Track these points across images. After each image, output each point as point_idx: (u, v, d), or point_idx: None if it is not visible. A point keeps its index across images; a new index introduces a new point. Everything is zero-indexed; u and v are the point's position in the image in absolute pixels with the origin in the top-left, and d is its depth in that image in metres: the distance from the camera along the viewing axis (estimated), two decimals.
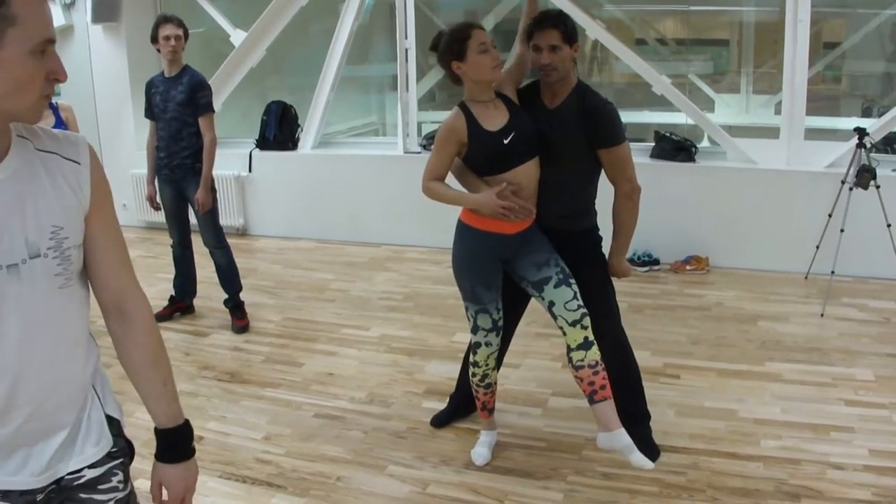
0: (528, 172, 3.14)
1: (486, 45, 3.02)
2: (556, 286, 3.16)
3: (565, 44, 3.16)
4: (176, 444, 1.70)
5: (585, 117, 3.22)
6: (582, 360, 3.13)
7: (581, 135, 3.23)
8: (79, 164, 1.53)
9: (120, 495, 1.65)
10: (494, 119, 3.11)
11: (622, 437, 3.11)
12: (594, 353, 3.14)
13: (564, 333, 3.17)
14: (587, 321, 3.16)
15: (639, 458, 3.10)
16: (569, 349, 3.18)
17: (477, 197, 3.11)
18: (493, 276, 3.24)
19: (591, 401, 3.16)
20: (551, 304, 3.18)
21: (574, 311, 3.14)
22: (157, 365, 1.66)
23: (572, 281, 3.19)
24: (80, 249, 1.54)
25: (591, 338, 3.15)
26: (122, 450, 1.67)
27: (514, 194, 3.08)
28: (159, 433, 1.67)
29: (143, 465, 3.56)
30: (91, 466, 1.59)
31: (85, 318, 1.60)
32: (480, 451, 3.56)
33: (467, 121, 3.09)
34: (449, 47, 3.08)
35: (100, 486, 1.61)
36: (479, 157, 3.12)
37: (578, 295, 3.18)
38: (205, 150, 4.98)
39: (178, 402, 1.69)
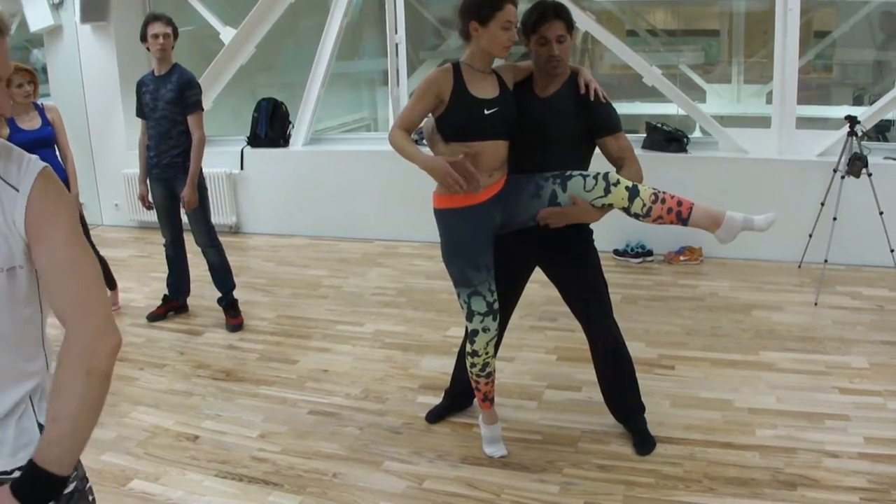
0: (495, 149, 3.11)
1: (512, 23, 3.02)
2: (565, 189, 3.11)
3: (568, 33, 3.19)
4: (30, 484, 1.50)
5: (586, 106, 3.24)
6: (643, 206, 3.07)
7: (576, 123, 3.25)
8: (17, 191, 1.51)
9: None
10: (483, 89, 3.10)
11: (734, 219, 3.12)
12: (645, 191, 3.08)
13: (611, 205, 3.11)
14: (613, 176, 3.10)
15: (761, 219, 3.17)
16: (626, 211, 3.11)
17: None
18: (480, 255, 3.19)
19: (684, 222, 3.12)
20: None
21: (597, 184, 3.08)
22: (56, 395, 1.52)
23: (570, 172, 3.14)
24: (16, 273, 1.53)
25: (629, 183, 3.09)
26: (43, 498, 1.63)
27: (473, 162, 3.03)
28: (27, 465, 1.52)
29: (138, 465, 3.59)
30: (21, 469, 1.57)
31: (27, 335, 1.59)
32: (494, 449, 3.54)
33: (454, 79, 3.07)
34: (477, 7, 3.03)
35: None
36: (455, 118, 3.09)
37: (583, 172, 3.13)
38: (193, 149, 4.96)
39: (61, 447, 1.50)
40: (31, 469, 1.50)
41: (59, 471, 1.50)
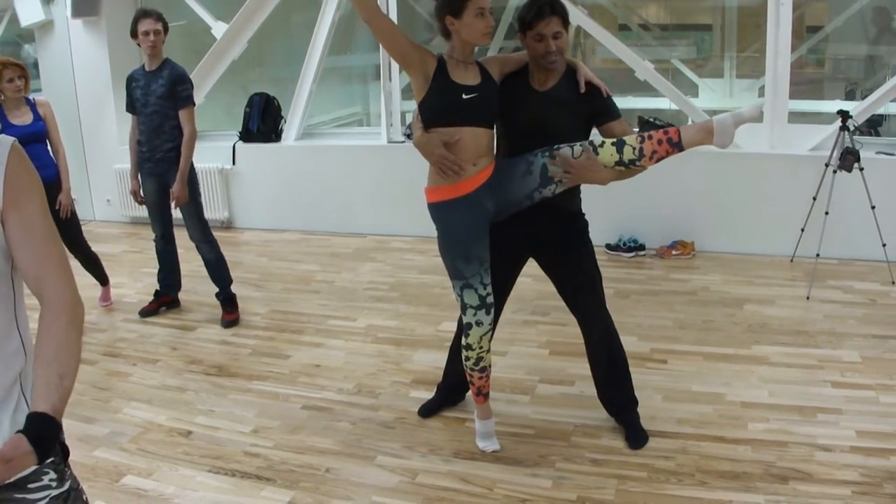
0: (475, 134, 3.11)
1: (485, 10, 3.03)
2: (554, 160, 3.13)
3: (564, 28, 3.20)
4: (44, 430, 1.50)
5: (588, 97, 3.26)
6: (634, 150, 3.07)
7: (575, 116, 3.28)
8: None
9: (54, 492, 1.66)
10: (464, 77, 3.11)
11: (724, 121, 3.06)
12: (630, 138, 3.09)
13: (605, 165, 3.12)
14: (597, 139, 3.13)
15: (748, 109, 3.09)
16: (620, 163, 3.10)
17: (424, 137, 3.10)
18: (473, 248, 3.19)
19: (679, 146, 3.08)
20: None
21: (584, 150, 3.10)
22: (58, 354, 1.56)
23: (557, 145, 3.14)
24: None
25: (612, 139, 3.11)
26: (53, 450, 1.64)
27: (452, 149, 3.07)
28: (33, 415, 1.51)
29: (131, 461, 3.58)
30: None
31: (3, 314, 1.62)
32: (487, 444, 3.54)
33: (437, 66, 3.09)
34: (448, 2, 3.06)
35: (30, 485, 1.63)
36: (436, 102, 3.09)
37: (570, 143, 3.13)
38: (183, 144, 4.95)
39: (65, 404, 1.54)
40: (44, 420, 1.51)
41: (59, 420, 1.54)
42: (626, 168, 3.13)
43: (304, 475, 3.39)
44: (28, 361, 1.67)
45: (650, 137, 3.08)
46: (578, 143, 3.12)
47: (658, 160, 3.12)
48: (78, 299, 1.65)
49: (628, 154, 3.08)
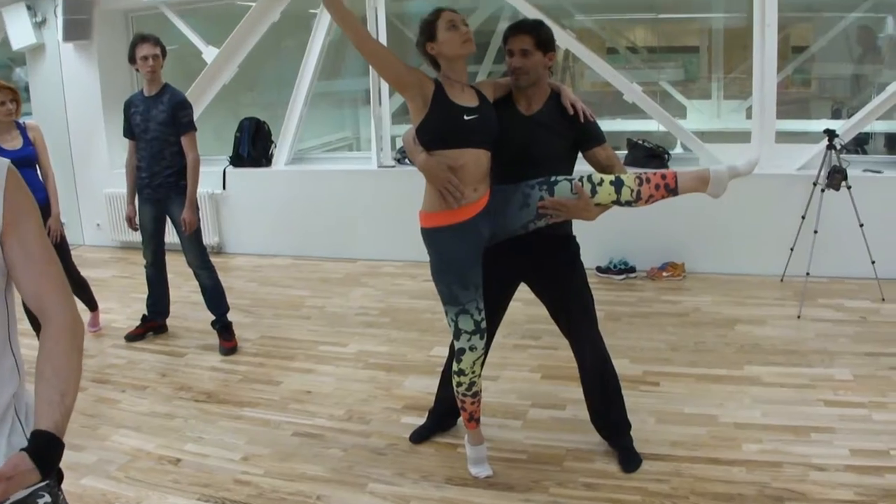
0: (477, 158, 3.10)
1: (454, 21, 3.06)
2: (552, 195, 3.13)
3: (538, 50, 3.21)
4: (47, 448, 1.51)
5: (572, 121, 3.30)
6: (632, 192, 3.12)
7: (562, 139, 3.30)
8: None
9: None
10: (462, 98, 3.11)
11: (719, 172, 3.15)
12: (628, 178, 3.13)
13: (599, 203, 3.15)
14: (596, 176, 3.15)
15: (743, 164, 3.18)
16: (617, 203, 3.15)
17: (430, 160, 3.08)
18: (469, 274, 3.17)
19: (674, 192, 3.15)
20: None
21: (583, 187, 3.11)
22: (59, 372, 1.58)
23: (555, 178, 3.15)
24: None
25: (611, 177, 3.14)
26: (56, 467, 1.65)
27: (457, 174, 3.06)
28: (36, 433, 1.52)
29: (119, 489, 3.54)
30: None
31: None
32: (480, 470, 3.51)
33: (436, 88, 3.08)
34: (421, 32, 3.11)
35: None
36: (437, 124, 3.07)
37: (568, 177, 3.16)
38: (189, 170, 4.94)
39: (67, 422, 1.55)
40: (48, 438, 1.52)
41: (62, 437, 1.54)
42: (621, 206, 3.18)
43: (295, 503, 3.36)
44: (22, 382, 1.67)
45: (648, 181, 3.13)
46: (578, 178, 3.14)
47: (652, 203, 3.18)
48: (77, 318, 1.67)
49: (626, 195, 3.13)
